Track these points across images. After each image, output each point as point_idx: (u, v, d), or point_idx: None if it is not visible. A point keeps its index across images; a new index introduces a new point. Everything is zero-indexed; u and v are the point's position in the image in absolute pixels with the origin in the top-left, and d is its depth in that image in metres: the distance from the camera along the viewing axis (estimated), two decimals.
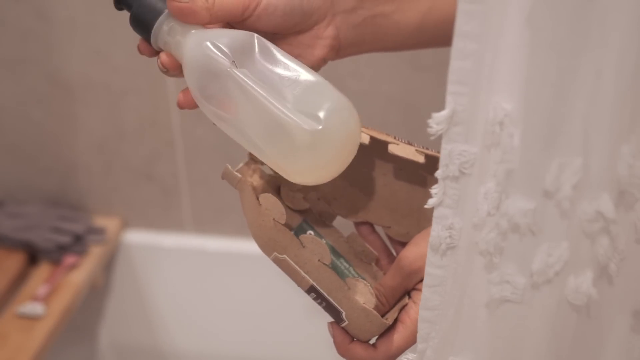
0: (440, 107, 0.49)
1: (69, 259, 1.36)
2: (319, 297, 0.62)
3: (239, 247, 1.46)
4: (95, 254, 1.40)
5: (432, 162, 0.63)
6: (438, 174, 0.51)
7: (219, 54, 0.56)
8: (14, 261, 1.36)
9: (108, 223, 1.46)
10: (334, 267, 0.63)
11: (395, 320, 0.63)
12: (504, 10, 0.45)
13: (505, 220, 0.49)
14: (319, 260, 0.61)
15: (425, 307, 0.55)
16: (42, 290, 1.30)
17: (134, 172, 1.44)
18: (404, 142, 0.64)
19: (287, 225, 0.62)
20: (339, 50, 0.64)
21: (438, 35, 0.69)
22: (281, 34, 0.61)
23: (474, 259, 0.52)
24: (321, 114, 0.55)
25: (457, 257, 0.53)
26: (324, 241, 0.68)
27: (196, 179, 1.43)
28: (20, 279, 1.35)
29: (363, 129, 0.63)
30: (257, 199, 0.62)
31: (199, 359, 1.56)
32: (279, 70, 0.57)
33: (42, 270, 1.37)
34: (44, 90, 1.38)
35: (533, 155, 0.47)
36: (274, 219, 0.61)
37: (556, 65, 0.45)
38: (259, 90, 0.55)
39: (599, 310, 0.52)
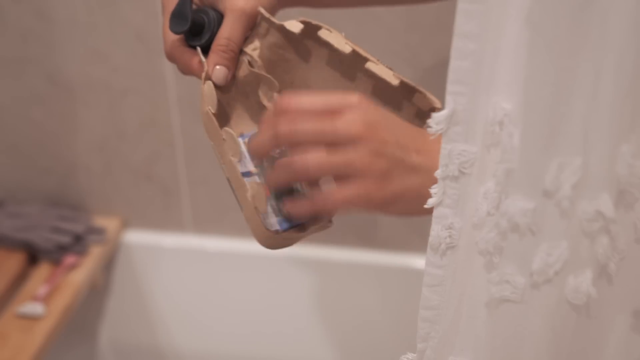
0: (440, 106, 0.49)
1: (69, 259, 1.36)
2: (232, 191, 0.64)
3: (239, 247, 1.46)
4: (95, 254, 1.40)
5: (408, 90, 0.66)
6: (437, 173, 0.51)
7: None
8: (14, 261, 1.36)
9: (108, 223, 1.46)
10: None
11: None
12: (503, 10, 0.45)
13: (505, 220, 0.49)
14: (232, 156, 0.63)
15: (425, 307, 0.55)
16: (42, 290, 1.30)
17: (134, 172, 1.44)
18: (385, 66, 0.66)
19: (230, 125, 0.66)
20: None
21: None
22: None
23: (474, 258, 0.52)
24: None
25: (456, 257, 0.53)
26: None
27: (196, 179, 1.43)
28: (20, 279, 1.35)
29: (347, 41, 0.66)
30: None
31: (199, 358, 1.56)
32: None
33: (42, 270, 1.36)
34: (44, 90, 1.38)
35: (533, 155, 0.47)
36: (208, 108, 0.64)
37: (556, 65, 0.45)
38: None
39: (598, 309, 0.52)
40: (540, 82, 0.45)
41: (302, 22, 0.67)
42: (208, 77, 0.66)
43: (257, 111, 0.71)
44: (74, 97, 1.38)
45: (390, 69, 0.66)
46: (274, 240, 0.63)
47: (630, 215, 0.49)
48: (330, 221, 0.64)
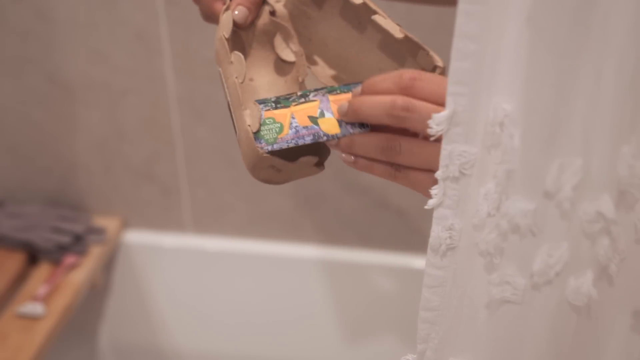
0: None
1: (69, 259, 1.36)
2: (230, 115, 0.66)
3: (239, 247, 1.46)
4: (95, 254, 1.40)
5: (413, 46, 0.67)
6: (438, 174, 0.51)
7: None
8: (14, 261, 1.36)
9: (108, 223, 1.46)
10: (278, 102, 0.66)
11: None
12: (504, 10, 0.45)
13: (506, 221, 0.49)
14: (236, 77, 0.65)
15: (425, 308, 0.55)
16: (42, 290, 1.30)
17: (134, 172, 1.44)
18: (394, 22, 0.68)
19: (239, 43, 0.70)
20: None
21: None
22: None
23: (474, 259, 0.52)
24: None
25: (457, 258, 0.52)
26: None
27: (196, 179, 1.43)
28: (20, 279, 1.35)
29: None
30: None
31: (199, 358, 1.56)
32: None
33: (42, 270, 1.37)
34: (44, 90, 1.38)
35: (533, 156, 0.47)
36: (223, 33, 0.67)
37: (556, 65, 0.45)
38: None
39: (599, 310, 0.52)
40: (541, 83, 0.45)
41: None
42: (228, 8, 0.70)
43: (270, 61, 0.73)
44: (74, 97, 1.38)
45: (398, 24, 0.68)
46: (261, 163, 0.63)
47: (631, 216, 0.49)
48: (322, 165, 0.65)
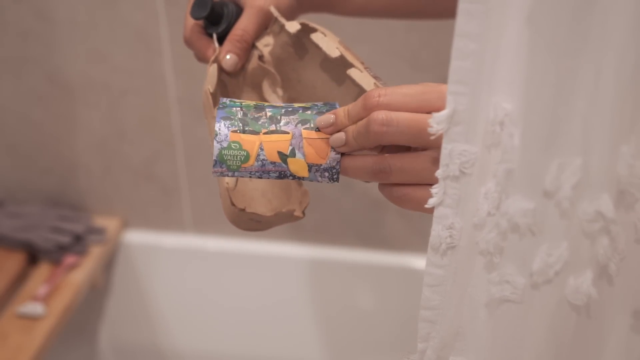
0: None
1: (69, 259, 1.36)
2: None
3: (239, 247, 1.46)
4: (95, 254, 1.40)
5: None
6: (438, 173, 0.51)
7: None
8: (14, 261, 1.37)
9: (108, 223, 1.46)
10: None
11: None
12: (504, 10, 0.45)
13: (505, 220, 0.49)
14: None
15: (425, 307, 0.55)
16: (42, 290, 1.30)
17: (134, 172, 1.44)
18: (372, 75, 0.67)
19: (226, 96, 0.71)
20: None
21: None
22: None
23: (474, 258, 0.52)
24: None
25: (457, 257, 0.52)
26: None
27: (196, 179, 1.43)
28: (20, 279, 1.35)
29: (340, 46, 0.69)
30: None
31: (199, 358, 1.56)
32: None
33: (42, 270, 1.37)
34: (44, 90, 1.38)
35: (533, 155, 0.47)
36: (208, 87, 0.68)
37: (556, 65, 0.45)
38: None
39: (598, 310, 0.52)
40: (541, 83, 0.45)
41: (301, 23, 0.71)
42: (216, 60, 0.70)
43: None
44: (74, 97, 1.38)
45: (376, 77, 0.66)
46: (239, 218, 0.64)
47: (631, 215, 0.49)
48: (302, 213, 0.66)
